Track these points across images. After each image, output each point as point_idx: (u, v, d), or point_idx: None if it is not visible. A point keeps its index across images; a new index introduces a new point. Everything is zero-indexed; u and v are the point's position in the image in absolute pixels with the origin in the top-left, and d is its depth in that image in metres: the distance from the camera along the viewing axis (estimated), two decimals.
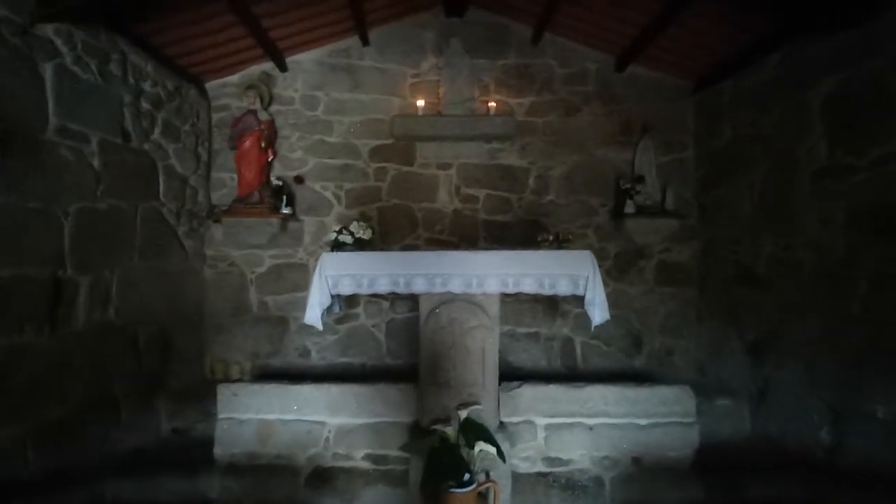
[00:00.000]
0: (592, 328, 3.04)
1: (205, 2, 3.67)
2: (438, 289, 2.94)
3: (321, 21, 4.48)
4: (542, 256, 2.99)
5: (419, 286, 2.93)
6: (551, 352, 4.80)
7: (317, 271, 2.92)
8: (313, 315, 2.90)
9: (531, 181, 4.87)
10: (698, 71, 4.57)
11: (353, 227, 3.04)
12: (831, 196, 3.18)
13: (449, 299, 3.02)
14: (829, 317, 3.19)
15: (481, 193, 4.88)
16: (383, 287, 2.92)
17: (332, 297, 2.94)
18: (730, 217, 4.20)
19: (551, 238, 3.12)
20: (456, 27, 4.86)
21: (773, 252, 3.71)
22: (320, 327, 2.95)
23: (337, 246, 3.00)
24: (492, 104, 4.68)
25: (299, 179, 4.72)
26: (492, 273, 2.93)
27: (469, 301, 3.02)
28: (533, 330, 4.80)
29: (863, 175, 2.95)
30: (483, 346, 3.00)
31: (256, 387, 3.34)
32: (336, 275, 2.92)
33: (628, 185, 4.48)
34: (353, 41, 4.84)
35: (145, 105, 3.81)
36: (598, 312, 2.94)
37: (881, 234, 2.84)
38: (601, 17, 4.32)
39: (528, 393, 3.34)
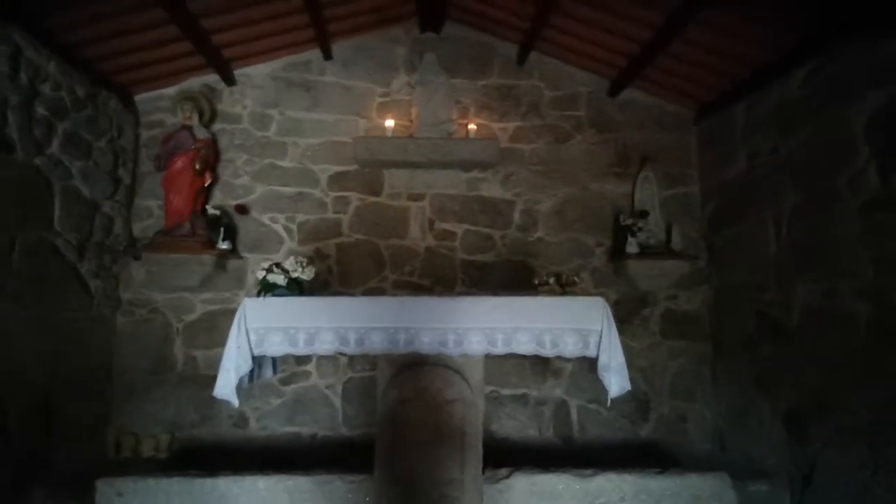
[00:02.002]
0: (608, 401, 2.29)
1: None
2: (402, 348, 2.17)
3: (274, 28, 3.86)
4: (540, 305, 2.27)
5: (376, 344, 2.16)
6: (542, 418, 3.99)
7: (235, 323, 2.12)
8: (225, 384, 2.08)
9: (516, 216, 4.21)
10: (700, 97, 4.08)
11: (289, 263, 2.27)
12: (890, 232, 2.59)
13: (417, 362, 2.25)
14: None
15: (459, 229, 4.19)
16: (327, 345, 2.14)
17: (255, 358, 2.12)
18: (749, 259, 3.59)
19: (552, 281, 2.40)
20: (431, 43, 4.31)
21: (811, 301, 3.07)
22: (235, 402, 2.12)
23: (266, 288, 2.22)
24: (472, 127, 4.07)
25: (242, 209, 3.95)
26: (475, 327, 2.19)
27: (444, 365, 2.25)
28: (520, 391, 4.01)
29: None
30: (463, 426, 2.21)
31: (150, 482, 2.45)
32: (261, 328, 2.12)
33: (630, 221, 3.85)
34: (314, 54, 4.23)
35: (41, 111, 3.05)
36: (616, 380, 2.21)
37: None
38: (595, 33, 3.81)
39: (521, 485, 2.54)
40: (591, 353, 2.22)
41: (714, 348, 4.00)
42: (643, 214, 3.88)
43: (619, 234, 4.02)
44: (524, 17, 3.89)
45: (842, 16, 2.80)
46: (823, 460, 2.95)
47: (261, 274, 2.26)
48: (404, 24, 4.31)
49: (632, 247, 3.85)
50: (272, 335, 2.10)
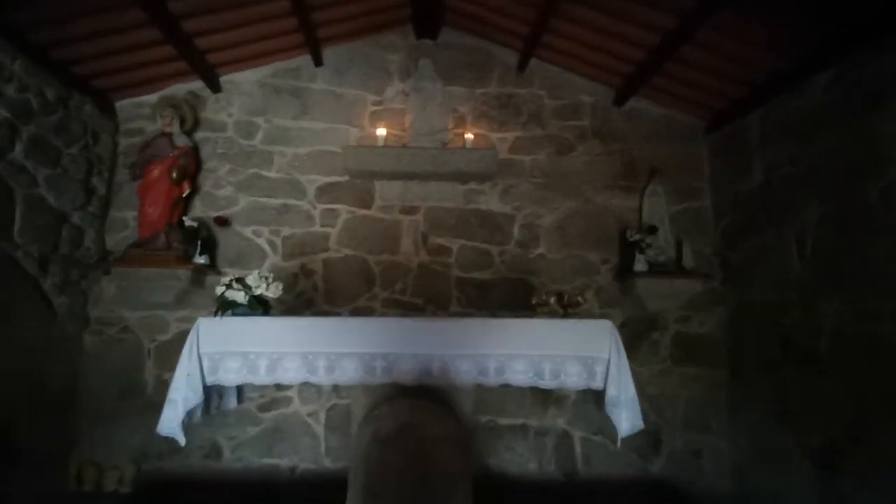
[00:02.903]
0: (619, 441, 1.99)
1: None
2: (380, 377, 1.89)
3: (262, 31, 3.66)
4: (539, 328, 1.98)
5: (350, 373, 1.87)
6: (543, 451, 3.66)
7: (186, 346, 1.84)
8: (171, 418, 1.79)
9: (516, 231, 3.95)
10: (712, 106, 3.83)
11: (251, 278, 2.00)
12: None
13: (397, 393, 1.95)
14: None
15: (454, 244, 3.92)
16: (291, 373, 1.86)
17: (209, 388, 1.84)
18: (769, 277, 3.30)
19: (552, 300, 2.11)
20: (427, 50, 4.11)
21: (841, 324, 2.77)
22: (182, 440, 1.82)
23: (223, 307, 1.95)
24: (469, 136, 3.84)
25: (222, 221, 3.70)
26: (463, 353, 1.91)
27: (429, 396, 1.96)
28: (519, 421, 3.68)
29: None
30: (450, 470, 1.90)
31: None
32: (216, 352, 1.85)
33: (638, 237, 3.58)
34: (304, 60, 4.03)
35: (2, 113, 2.84)
36: (627, 416, 1.92)
37: None
38: (599, 38, 3.59)
39: None
40: (596, 384, 1.93)
41: (731, 375, 3.68)
42: (652, 230, 3.61)
43: (626, 250, 3.75)
44: (524, 21, 3.69)
45: (868, 16, 2.56)
46: (855, 500, 2.62)
47: (219, 290, 1.99)
48: (399, 29, 4.12)
49: (640, 264, 3.57)
50: (228, 361, 1.83)
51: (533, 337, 1.93)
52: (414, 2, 3.85)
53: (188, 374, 1.79)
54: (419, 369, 1.86)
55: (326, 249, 3.86)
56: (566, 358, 1.91)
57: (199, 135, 3.89)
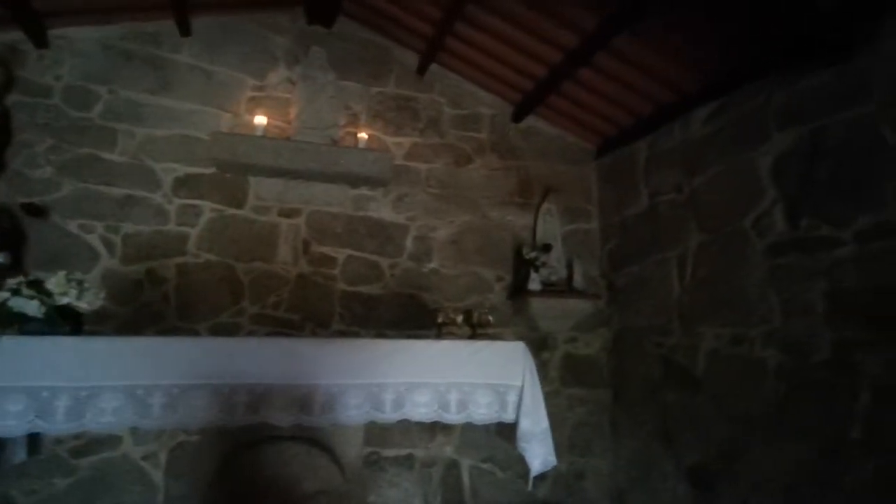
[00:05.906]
0: (531, 482, 1.75)
1: None
2: (243, 417, 1.42)
3: None
4: (446, 352, 1.68)
5: (200, 412, 1.39)
6: (429, 484, 3.36)
7: None
8: None
9: (409, 243, 3.66)
10: (603, 130, 3.95)
11: (55, 282, 1.41)
12: (801, 276, 2.47)
13: (264, 434, 1.51)
14: (817, 439, 2.35)
15: (340, 254, 3.51)
16: (109, 415, 1.34)
17: None
18: (652, 300, 3.41)
19: (460, 319, 1.84)
20: (320, 38, 3.70)
21: (717, 347, 2.90)
22: None
23: (5, 321, 1.34)
24: (362, 136, 3.49)
25: (34, 210, 2.87)
26: (354, 383, 1.53)
27: (305, 437, 1.54)
28: (404, 452, 3.34)
29: (848, 250, 2.28)
30: None
31: None
32: None
33: (533, 255, 3.50)
34: (167, 26, 3.36)
35: None
36: (541, 452, 1.70)
37: (885, 328, 2.12)
38: (501, 49, 3.50)
39: None
40: (508, 416, 1.68)
41: (614, 397, 3.74)
42: (547, 248, 3.56)
43: (521, 269, 3.66)
44: (428, 20, 3.47)
45: (749, 57, 2.76)
46: None
47: (1, 297, 1.37)
48: (290, 11, 3.66)
49: (534, 283, 3.50)
50: (5, 401, 1.24)
51: (439, 362, 1.63)
52: None
53: None
54: (297, 405, 1.44)
55: (183, 253, 3.21)
56: (476, 386, 1.64)
57: (12, 98, 3.03)
